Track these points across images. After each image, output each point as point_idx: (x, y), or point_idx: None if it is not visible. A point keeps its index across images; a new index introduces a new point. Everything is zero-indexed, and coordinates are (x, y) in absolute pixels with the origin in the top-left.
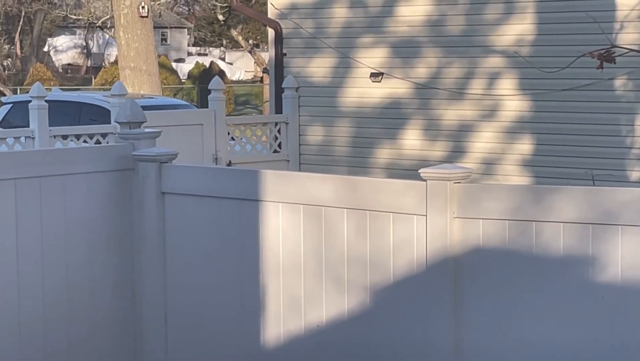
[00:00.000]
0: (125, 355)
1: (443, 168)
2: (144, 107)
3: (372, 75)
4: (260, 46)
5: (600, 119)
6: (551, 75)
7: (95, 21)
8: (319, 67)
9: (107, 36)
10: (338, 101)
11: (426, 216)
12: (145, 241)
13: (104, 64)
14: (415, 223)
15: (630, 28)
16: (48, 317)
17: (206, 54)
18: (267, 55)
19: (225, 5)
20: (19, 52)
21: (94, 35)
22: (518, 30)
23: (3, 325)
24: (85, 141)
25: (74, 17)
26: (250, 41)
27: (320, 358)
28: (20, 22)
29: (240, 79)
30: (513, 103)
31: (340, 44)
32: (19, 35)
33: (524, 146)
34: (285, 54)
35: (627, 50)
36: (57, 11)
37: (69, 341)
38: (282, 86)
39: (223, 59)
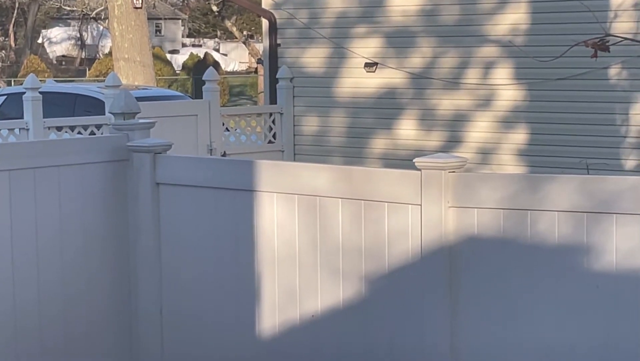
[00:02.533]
0: (122, 349)
1: (438, 157)
2: (138, 99)
3: (367, 65)
4: (255, 37)
5: (594, 108)
6: (546, 64)
7: (89, 12)
8: (313, 58)
9: (101, 27)
10: (332, 91)
11: (421, 205)
12: (140, 232)
13: (98, 55)
14: (410, 213)
15: (625, 17)
16: (43, 311)
17: (200, 45)
18: (261, 46)
19: None
20: (12, 44)
21: (88, 26)
22: (512, 19)
23: None
24: (79, 132)
25: (68, 8)
26: (245, 32)
27: (315, 348)
28: (14, 14)
29: (234, 70)
30: (508, 93)
31: (334, 34)
32: (13, 27)
33: (519, 136)
34: (279, 45)
35: (621, 39)
36: (51, 2)
37: (65, 336)
38: (277, 76)
39: (217, 50)
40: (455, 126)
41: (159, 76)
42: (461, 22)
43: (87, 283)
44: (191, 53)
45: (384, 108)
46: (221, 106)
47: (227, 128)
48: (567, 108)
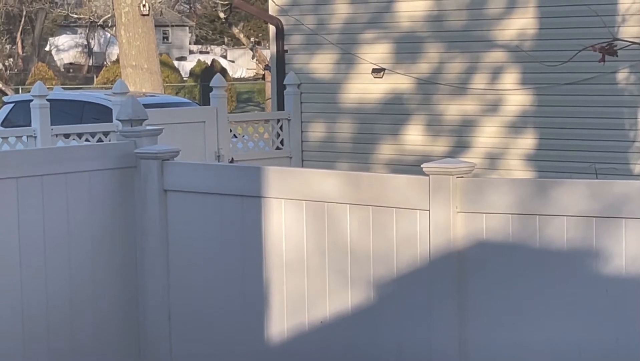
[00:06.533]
0: (129, 354)
1: (445, 163)
2: (146, 106)
3: (374, 71)
4: (262, 43)
5: (602, 112)
6: (553, 69)
7: (97, 20)
8: (320, 64)
9: (109, 35)
10: (340, 97)
11: (429, 210)
12: (148, 239)
13: (105, 62)
14: (419, 218)
15: (632, 21)
16: (51, 316)
17: (208, 52)
18: (268, 52)
19: (226, 2)
20: (20, 51)
21: (95, 34)
22: (520, 24)
23: (6, 324)
24: (87, 140)
25: (75, 16)
26: (252, 39)
27: (324, 354)
28: (22, 22)
29: (242, 76)
30: (515, 97)
31: (341, 40)
32: (21, 34)
33: (527, 141)
34: (286, 51)
35: (629, 44)
36: (58, 10)
37: (73, 341)
38: (284, 82)
39: (225, 57)
40: (463, 131)
41: (167, 83)
42: (468, 27)
43: (95, 288)
44: (198, 60)
45: (392, 114)
46: (229, 113)
47: (234, 135)
48: (575, 113)
